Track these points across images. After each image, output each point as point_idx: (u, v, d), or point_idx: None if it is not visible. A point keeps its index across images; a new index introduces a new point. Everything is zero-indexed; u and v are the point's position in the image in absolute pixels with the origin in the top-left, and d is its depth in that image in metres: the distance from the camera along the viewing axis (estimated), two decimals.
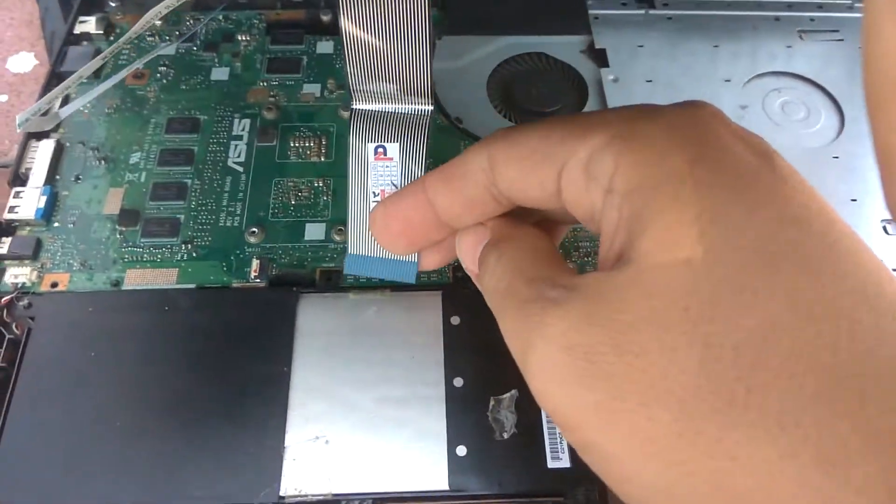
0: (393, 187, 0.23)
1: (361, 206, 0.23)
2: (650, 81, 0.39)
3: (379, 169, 0.23)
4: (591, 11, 0.42)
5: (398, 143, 0.22)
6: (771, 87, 0.40)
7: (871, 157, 0.34)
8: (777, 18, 0.43)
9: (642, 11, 0.43)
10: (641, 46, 0.41)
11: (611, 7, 0.43)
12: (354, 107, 0.23)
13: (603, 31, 0.42)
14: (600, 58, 0.41)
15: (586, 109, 0.39)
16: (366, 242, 0.24)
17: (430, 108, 0.22)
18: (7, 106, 0.49)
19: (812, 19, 0.43)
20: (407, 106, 0.23)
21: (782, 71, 0.40)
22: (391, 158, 0.23)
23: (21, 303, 0.32)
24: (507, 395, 0.30)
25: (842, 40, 0.42)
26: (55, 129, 0.38)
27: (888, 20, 0.13)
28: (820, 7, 0.44)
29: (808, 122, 0.39)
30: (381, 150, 0.23)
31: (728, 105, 0.39)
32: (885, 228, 0.35)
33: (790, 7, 0.44)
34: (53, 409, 0.29)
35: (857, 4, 0.44)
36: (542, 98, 0.39)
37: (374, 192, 0.23)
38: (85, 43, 0.41)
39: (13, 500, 0.28)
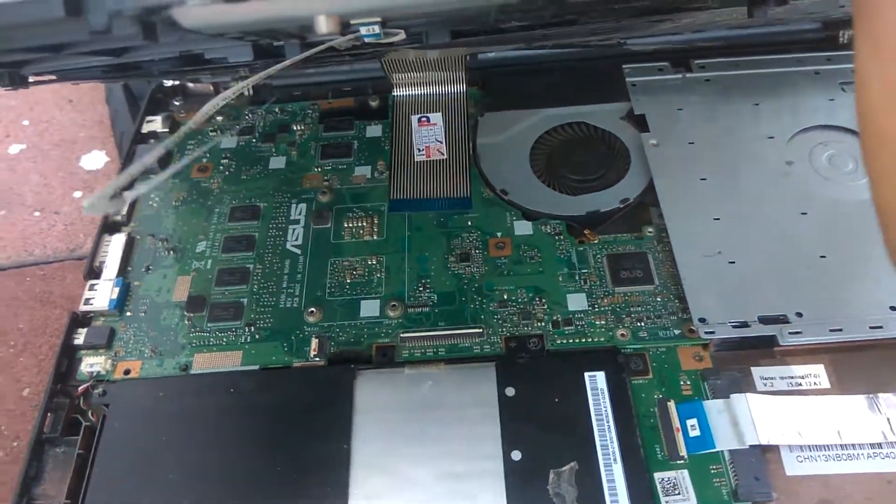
0: (437, 143, 0.35)
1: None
2: (692, 143, 0.40)
3: (423, 132, 0.35)
4: (628, 79, 0.44)
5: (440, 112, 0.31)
6: (817, 141, 0.40)
7: None
8: (817, 73, 0.43)
9: (679, 76, 0.44)
10: (681, 110, 0.42)
11: (648, 74, 0.44)
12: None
13: (641, 97, 0.42)
14: (640, 123, 0.41)
15: (630, 174, 0.40)
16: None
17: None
18: (81, 202, 0.53)
19: (853, 71, 0.43)
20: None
21: (826, 124, 0.40)
22: (435, 123, 0.36)
23: (96, 391, 0.34)
24: (567, 467, 0.30)
25: None
26: (126, 224, 0.40)
27: (874, 75, 0.14)
28: None
29: (857, 174, 0.38)
30: (424, 119, 0.36)
31: (773, 161, 0.39)
32: None
33: (829, 60, 0.44)
34: (128, 492, 0.31)
35: None
36: (585, 166, 0.40)
37: (418, 149, 0.34)
38: (152, 140, 0.45)
39: None
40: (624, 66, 0.44)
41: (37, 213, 0.52)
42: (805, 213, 0.36)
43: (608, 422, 0.31)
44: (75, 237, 0.50)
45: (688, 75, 0.44)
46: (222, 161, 0.43)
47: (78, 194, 0.53)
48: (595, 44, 0.45)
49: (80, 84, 0.57)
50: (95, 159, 0.55)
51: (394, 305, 0.35)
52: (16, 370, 0.44)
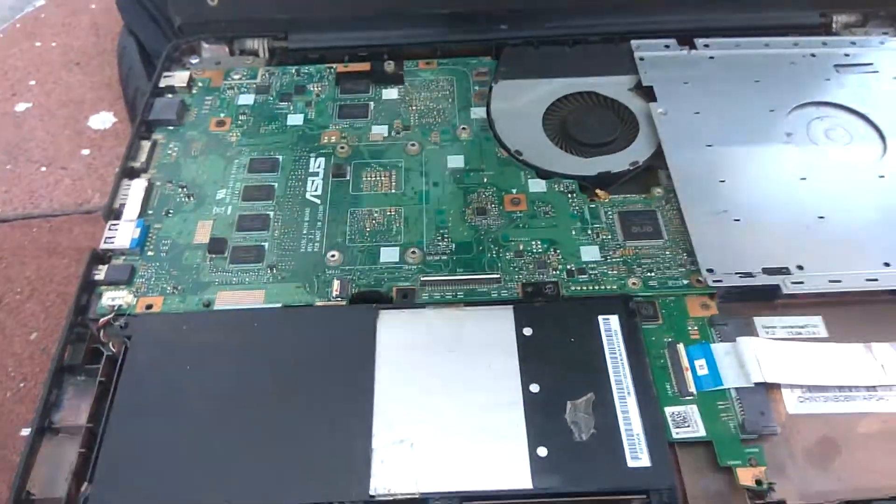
0: None
1: None
2: (698, 113, 0.42)
3: None
4: (636, 53, 0.45)
5: None
6: (813, 115, 0.42)
7: None
8: (813, 55, 0.46)
9: (685, 52, 0.46)
10: (686, 83, 0.44)
11: (655, 49, 0.46)
12: None
13: (649, 70, 0.44)
14: (648, 94, 0.43)
15: (638, 140, 0.41)
16: None
17: None
18: (89, 159, 0.53)
19: (847, 55, 0.46)
20: None
21: (822, 101, 0.43)
22: None
23: (117, 323, 0.34)
24: (584, 398, 0.31)
25: (877, 72, 0.45)
26: (145, 170, 0.41)
27: None
28: (853, 43, 0.46)
29: (852, 146, 0.40)
30: None
31: (774, 131, 0.41)
32: None
33: (825, 45, 0.46)
34: (151, 419, 0.31)
35: (889, 39, 0.47)
36: (596, 131, 0.42)
37: None
38: (169, 95, 0.45)
39: (116, 501, 0.29)
40: (632, 41, 0.46)
41: (43, 169, 0.52)
42: (804, 179, 0.38)
43: (621, 360, 0.32)
44: (83, 192, 0.50)
45: (692, 52, 0.46)
46: (240, 116, 0.44)
47: (86, 152, 0.53)
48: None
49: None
50: (103, 119, 0.55)
51: (413, 252, 0.36)
52: (23, 316, 0.44)
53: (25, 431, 0.36)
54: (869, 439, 0.31)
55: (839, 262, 0.35)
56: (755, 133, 0.41)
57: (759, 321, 0.35)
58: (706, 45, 0.46)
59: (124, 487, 0.29)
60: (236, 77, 0.46)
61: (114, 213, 0.39)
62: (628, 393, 0.31)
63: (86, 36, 0.61)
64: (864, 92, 0.43)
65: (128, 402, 0.32)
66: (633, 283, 0.35)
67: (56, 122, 0.55)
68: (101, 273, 0.36)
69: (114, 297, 0.36)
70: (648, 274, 0.36)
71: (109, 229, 0.38)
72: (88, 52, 0.59)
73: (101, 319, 0.34)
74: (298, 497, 0.29)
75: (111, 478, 0.29)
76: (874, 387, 0.32)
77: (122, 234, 0.38)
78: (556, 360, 0.32)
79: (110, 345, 0.34)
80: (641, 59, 0.45)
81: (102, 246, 0.37)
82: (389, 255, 0.37)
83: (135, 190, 0.40)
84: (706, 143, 0.40)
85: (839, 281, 0.34)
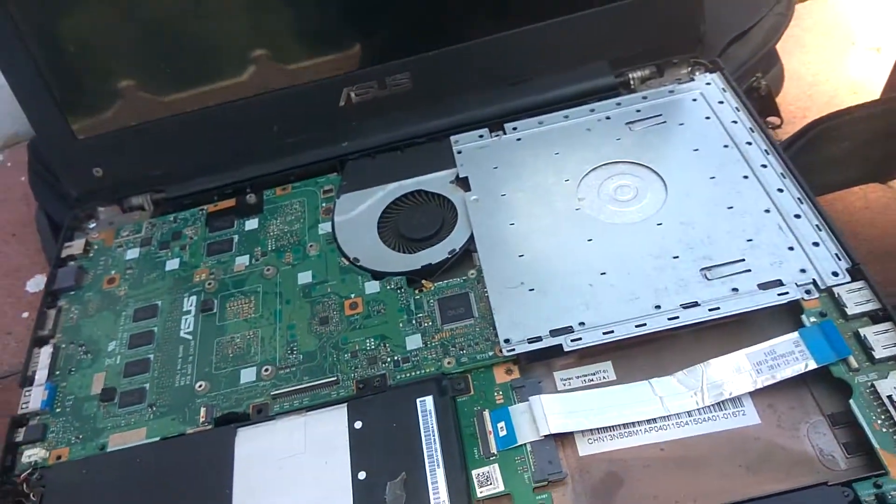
0: None
1: None
2: (504, 195, 0.48)
3: None
4: (454, 147, 0.52)
5: None
6: (604, 177, 0.48)
7: (696, 214, 0.41)
8: (608, 117, 0.52)
9: (496, 138, 0.52)
10: (496, 168, 0.50)
11: (470, 141, 0.52)
12: None
13: (465, 161, 0.51)
14: (465, 184, 0.50)
15: (457, 228, 0.48)
16: None
17: None
18: (29, 321, 0.61)
19: (638, 110, 0.52)
20: None
21: (613, 161, 0.49)
22: None
23: (34, 476, 0.41)
24: (399, 478, 0.37)
25: (664, 122, 0.50)
26: (53, 336, 0.48)
27: None
28: (644, 98, 0.52)
29: (637, 200, 0.46)
30: None
31: (568, 199, 0.47)
32: (705, 275, 0.41)
33: (619, 105, 0.52)
34: None
35: (676, 87, 0.53)
36: (422, 227, 0.48)
37: None
38: (71, 263, 0.53)
39: None
40: (451, 136, 0.53)
41: None
42: (591, 240, 0.44)
43: (433, 435, 0.38)
44: (21, 354, 0.58)
45: (503, 137, 0.52)
46: (127, 271, 0.51)
47: (25, 314, 0.61)
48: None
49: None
50: (39, 283, 0.63)
51: (266, 370, 0.43)
52: None
53: None
54: (648, 468, 0.36)
55: (615, 313, 0.40)
56: (551, 205, 0.47)
57: (557, 375, 0.40)
58: (514, 128, 0.52)
59: None
60: (125, 234, 0.54)
61: (28, 380, 0.46)
62: (437, 465, 0.37)
63: (19, 208, 0.70)
64: (650, 144, 0.49)
65: None
66: (448, 363, 0.41)
67: None
68: (20, 435, 0.44)
69: (31, 455, 0.43)
70: (461, 352, 0.42)
71: (24, 395, 0.46)
72: (22, 221, 0.68)
73: (22, 475, 0.42)
74: None
75: None
76: (654, 419, 0.38)
77: (35, 397, 0.45)
78: (380, 446, 0.38)
79: (31, 496, 0.41)
80: (459, 151, 0.52)
81: (20, 411, 0.45)
82: (248, 375, 0.43)
83: (43, 356, 0.47)
84: (509, 223, 0.46)
85: (612, 331, 0.40)
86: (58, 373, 0.46)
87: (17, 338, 0.59)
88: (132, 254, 0.52)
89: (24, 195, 0.71)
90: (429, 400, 0.40)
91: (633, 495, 0.36)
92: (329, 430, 0.40)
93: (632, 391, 0.39)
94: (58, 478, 0.41)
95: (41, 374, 0.46)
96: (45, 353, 0.47)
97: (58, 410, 0.44)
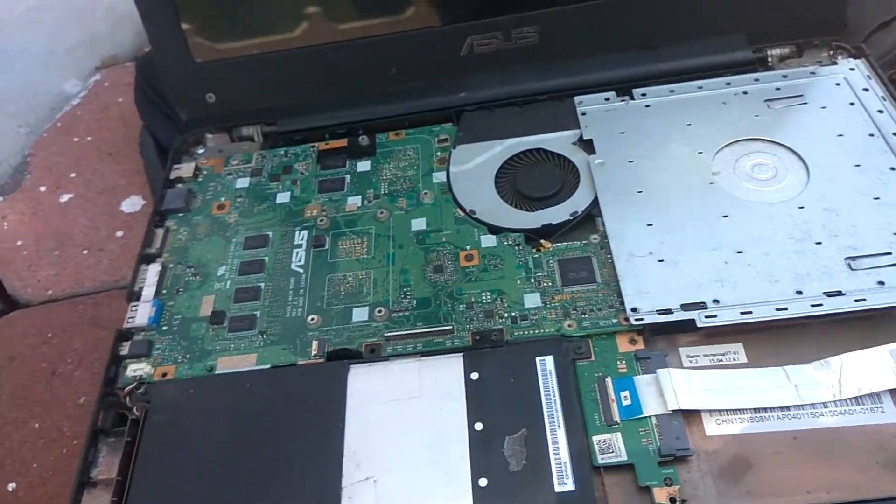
0: None
1: None
2: (632, 161, 0.46)
3: None
4: (578, 108, 0.50)
5: None
6: (741, 153, 0.46)
7: (840, 201, 0.38)
8: (745, 92, 0.49)
9: (623, 102, 0.50)
10: (623, 133, 0.48)
11: (595, 103, 0.51)
12: None
13: (590, 123, 0.49)
14: (589, 146, 0.48)
15: (579, 191, 0.46)
16: None
17: None
18: (123, 240, 0.61)
19: (778, 88, 0.49)
20: None
21: (751, 137, 0.46)
22: None
23: (139, 391, 0.42)
24: (519, 433, 0.36)
25: (805, 104, 0.48)
26: (160, 255, 0.48)
27: None
28: (785, 77, 0.50)
29: (776, 180, 0.44)
30: None
31: (701, 173, 0.45)
32: (849, 265, 0.39)
33: (757, 81, 0.50)
34: (168, 469, 0.38)
35: (818, 69, 0.50)
36: (542, 185, 0.47)
37: None
38: (179, 185, 0.53)
39: None
40: (575, 97, 0.51)
41: (85, 252, 0.60)
42: (726, 216, 0.42)
43: (554, 396, 0.37)
44: (119, 270, 0.58)
45: (630, 102, 0.50)
46: (237, 199, 0.51)
47: (120, 234, 0.61)
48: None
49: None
50: (133, 203, 0.64)
51: (379, 311, 0.42)
52: (73, 382, 0.52)
53: None
54: (779, 455, 0.35)
55: (753, 294, 0.39)
56: (683, 176, 0.45)
57: (684, 351, 0.39)
58: (643, 94, 0.50)
59: None
60: (234, 163, 0.54)
61: (135, 295, 0.46)
62: (558, 426, 0.36)
63: (116, 128, 0.70)
64: (791, 124, 0.47)
65: (149, 457, 0.39)
66: (569, 325, 0.40)
67: (94, 209, 0.63)
68: (125, 348, 0.44)
69: (136, 369, 0.43)
70: (582, 315, 0.40)
71: (131, 310, 0.46)
72: (119, 143, 0.68)
73: (126, 388, 0.42)
74: None
75: None
76: (787, 406, 0.36)
77: (142, 313, 0.45)
78: (497, 399, 0.37)
79: (134, 409, 0.41)
80: (583, 113, 0.50)
81: (126, 325, 0.45)
82: (360, 314, 0.43)
83: (151, 274, 0.47)
84: (637, 190, 0.45)
85: (750, 312, 0.38)
86: (164, 291, 0.46)
87: (111, 255, 0.60)
88: (242, 182, 0.52)
89: (120, 116, 0.71)
90: (549, 360, 0.38)
91: (761, 480, 0.34)
92: (444, 377, 0.39)
93: (765, 376, 0.37)
94: (162, 394, 0.41)
95: (148, 291, 0.46)
96: (152, 270, 0.47)
97: (164, 328, 0.44)
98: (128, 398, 0.42)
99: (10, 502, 0.48)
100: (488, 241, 0.45)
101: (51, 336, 0.55)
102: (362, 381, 0.39)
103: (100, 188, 0.65)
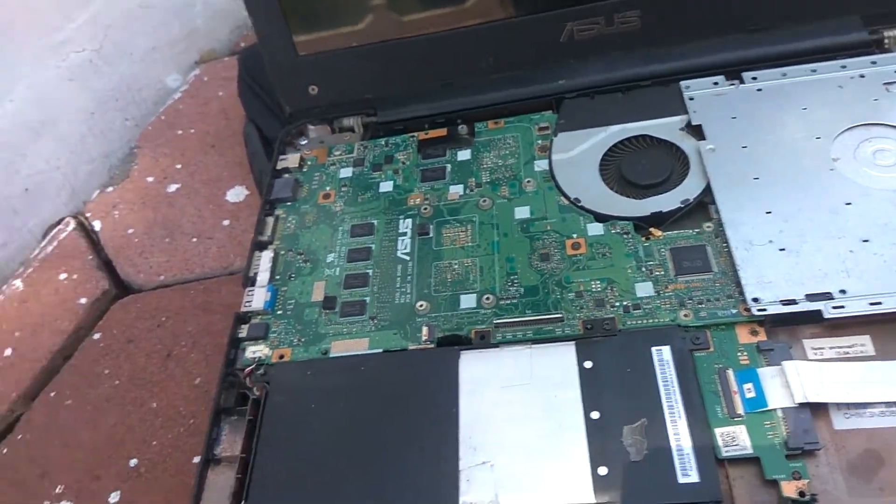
0: None
1: None
2: (745, 147, 0.45)
3: None
4: (685, 93, 0.49)
5: None
6: (861, 138, 0.44)
7: None
8: (862, 76, 0.47)
9: (733, 87, 0.49)
10: (734, 118, 0.47)
11: (703, 87, 0.49)
12: None
13: (698, 108, 0.48)
14: (698, 132, 0.47)
15: (689, 177, 0.45)
16: None
17: None
18: (229, 229, 0.64)
19: None
20: None
21: (871, 122, 0.44)
22: None
23: (258, 371, 0.43)
24: (639, 423, 0.36)
25: None
26: (271, 242, 0.50)
27: None
28: None
29: None
30: None
31: (820, 158, 0.43)
32: None
33: (874, 63, 0.48)
34: (289, 447, 0.39)
35: None
36: (649, 172, 0.46)
37: None
38: (286, 175, 0.54)
39: None
40: (681, 82, 0.50)
41: (194, 240, 0.63)
42: (850, 203, 0.41)
43: (673, 387, 0.37)
44: (227, 257, 0.61)
45: (741, 86, 0.49)
46: (342, 188, 0.52)
47: (226, 222, 0.64)
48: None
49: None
50: (237, 193, 0.66)
51: (487, 298, 0.43)
52: (188, 364, 0.54)
53: (196, 459, 0.46)
54: None
55: (882, 284, 0.37)
56: (801, 162, 0.43)
57: (808, 343, 0.38)
58: (754, 78, 0.49)
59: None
60: (337, 153, 0.55)
61: (250, 281, 0.48)
62: (679, 416, 0.36)
63: (217, 121, 0.73)
64: None
65: (271, 435, 0.40)
66: (685, 315, 0.39)
67: (200, 199, 0.66)
68: (243, 331, 0.46)
69: (254, 351, 0.45)
70: (699, 306, 0.40)
71: (247, 294, 0.47)
72: (220, 135, 0.71)
73: (246, 369, 0.44)
74: None
75: (262, 497, 0.38)
76: None
77: (258, 297, 0.47)
78: (613, 389, 0.37)
79: (254, 389, 0.43)
80: (691, 98, 0.49)
81: (243, 309, 0.47)
82: (468, 301, 0.43)
83: (264, 260, 0.49)
84: (753, 177, 0.43)
85: (880, 303, 0.36)
86: (278, 277, 0.48)
87: (218, 243, 0.62)
88: (345, 172, 0.53)
89: (221, 109, 0.74)
90: (665, 350, 0.38)
91: (895, 477, 0.33)
92: (556, 365, 0.39)
93: (894, 368, 0.35)
94: (281, 376, 0.43)
95: (262, 277, 0.48)
96: (265, 257, 0.49)
97: (279, 312, 0.46)
98: (248, 378, 0.43)
99: (132, 477, 0.51)
100: (595, 229, 0.45)
101: (164, 320, 0.58)
102: (473, 368, 0.40)
103: (204, 179, 0.68)
